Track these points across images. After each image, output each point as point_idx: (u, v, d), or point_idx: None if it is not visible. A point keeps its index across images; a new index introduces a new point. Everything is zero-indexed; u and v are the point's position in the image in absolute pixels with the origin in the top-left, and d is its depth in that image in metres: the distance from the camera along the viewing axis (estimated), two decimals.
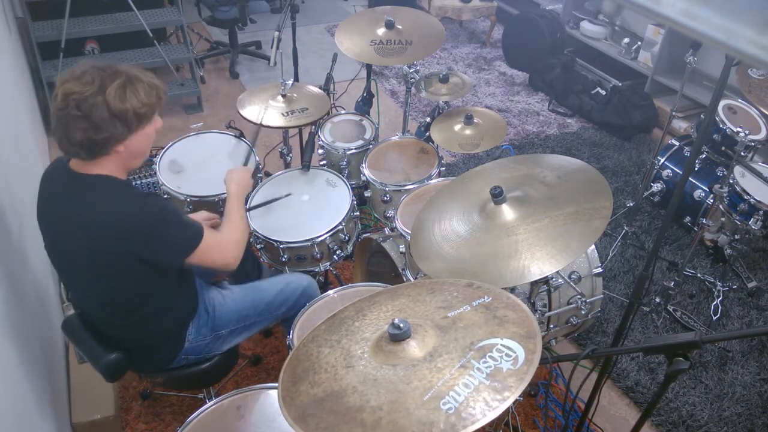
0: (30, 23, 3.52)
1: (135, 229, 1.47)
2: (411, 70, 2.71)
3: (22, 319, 1.83)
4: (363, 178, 2.59)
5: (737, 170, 2.74)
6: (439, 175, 2.54)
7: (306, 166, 2.46)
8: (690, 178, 2.98)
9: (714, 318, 2.72)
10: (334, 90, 2.95)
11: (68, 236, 1.52)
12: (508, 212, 1.55)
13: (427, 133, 2.65)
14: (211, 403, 1.58)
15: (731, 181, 2.69)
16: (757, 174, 2.65)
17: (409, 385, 0.99)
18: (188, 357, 1.81)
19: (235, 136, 2.56)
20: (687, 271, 2.90)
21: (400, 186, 2.46)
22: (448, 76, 2.68)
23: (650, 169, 3.04)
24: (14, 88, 2.93)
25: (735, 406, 2.37)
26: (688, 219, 3.02)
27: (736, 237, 2.73)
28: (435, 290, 1.25)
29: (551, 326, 2.15)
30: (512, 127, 4.09)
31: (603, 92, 4.17)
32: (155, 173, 2.38)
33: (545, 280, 1.94)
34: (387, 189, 2.47)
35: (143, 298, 1.62)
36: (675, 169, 3.08)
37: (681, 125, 3.95)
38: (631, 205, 3.15)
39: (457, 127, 2.54)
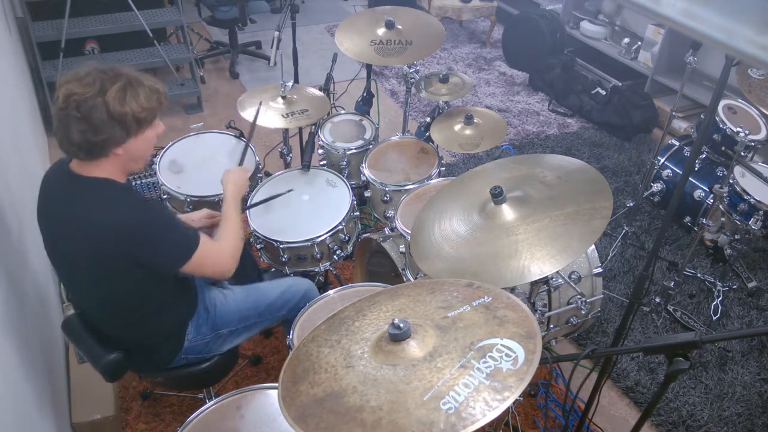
0: (30, 23, 3.52)
1: (134, 232, 1.47)
2: (411, 70, 2.71)
3: (22, 319, 1.83)
4: (363, 178, 2.59)
5: (737, 170, 2.74)
6: (439, 175, 2.54)
7: (306, 166, 2.46)
8: (690, 178, 2.98)
9: (714, 318, 2.72)
10: (334, 90, 2.95)
11: (68, 238, 1.52)
12: (508, 212, 1.55)
13: (427, 133, 2.65)
14: (211, 403, 1.58)
15: (731, 181, 2.69)
16: (757, 174, 2.65)
17: (409, 385, 0.99)
18: (188, 357, 1.81)
19: (235, 136, 2.56)
20: (687, 271, 2.90)
21: (400, 186, 2.46)
22: (448, 76, 2.68)
23: (650, 169, 3.04)
24: (14, 88, 2.93)
25: (735, 406, 2.37)
26: (688, 219, 3.02)
27: (736, 237, 2.73)
28: (435, 290, 1.24)
29: (551, 326, 2.15)
30: (512, 127, 4.09)
31: (603, 92, 4.17)
32: (155, 173, 2.38)
33: (545, 280, 1.93)
34: (387, 189, 2.47)
35: (143, 298, 1.63)
36: (675, 169, 3.08)
37: (681, 125, 3.95)
38: (631, 205, 3.15)
39: (457, 127, 2.54)
